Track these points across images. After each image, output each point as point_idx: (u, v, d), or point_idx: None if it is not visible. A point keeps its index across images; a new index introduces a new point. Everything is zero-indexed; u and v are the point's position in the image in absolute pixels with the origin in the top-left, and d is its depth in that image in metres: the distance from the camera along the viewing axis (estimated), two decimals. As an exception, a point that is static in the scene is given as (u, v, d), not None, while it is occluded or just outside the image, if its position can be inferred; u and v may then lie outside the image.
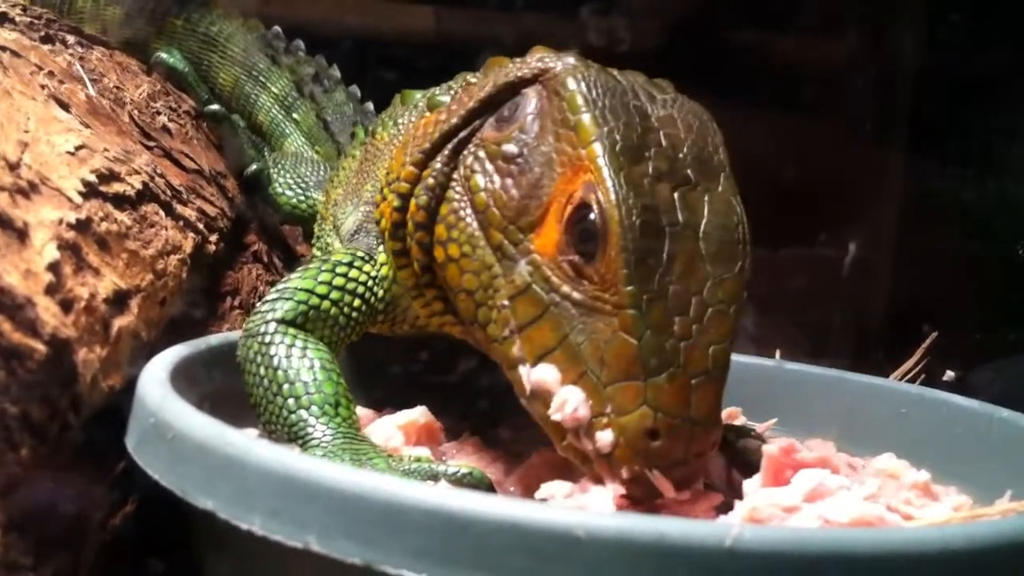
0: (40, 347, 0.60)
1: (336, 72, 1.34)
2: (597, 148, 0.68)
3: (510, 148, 0.72)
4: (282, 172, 1.16)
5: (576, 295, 0.67)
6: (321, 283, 0.79)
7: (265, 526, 0.56)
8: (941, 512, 0.66)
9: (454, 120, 0.77)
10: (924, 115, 1.46)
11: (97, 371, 0.66)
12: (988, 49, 1.43)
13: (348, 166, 1.01)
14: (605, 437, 0.64)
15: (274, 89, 1.28)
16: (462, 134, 0.76)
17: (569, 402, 0.65)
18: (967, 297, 1.22)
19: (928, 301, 1.14)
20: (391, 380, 0.90)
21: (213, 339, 0.84)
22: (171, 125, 1.09)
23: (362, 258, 0.83)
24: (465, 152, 0.75)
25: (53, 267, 0.65)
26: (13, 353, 0.58)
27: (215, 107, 1.18)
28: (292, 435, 0.72)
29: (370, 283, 0.82)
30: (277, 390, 0.73)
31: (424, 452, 0.79)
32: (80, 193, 0.75)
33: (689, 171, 0.69)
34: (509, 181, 0.71)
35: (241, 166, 1.16)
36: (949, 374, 1.04)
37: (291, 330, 0.76)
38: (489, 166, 0.73)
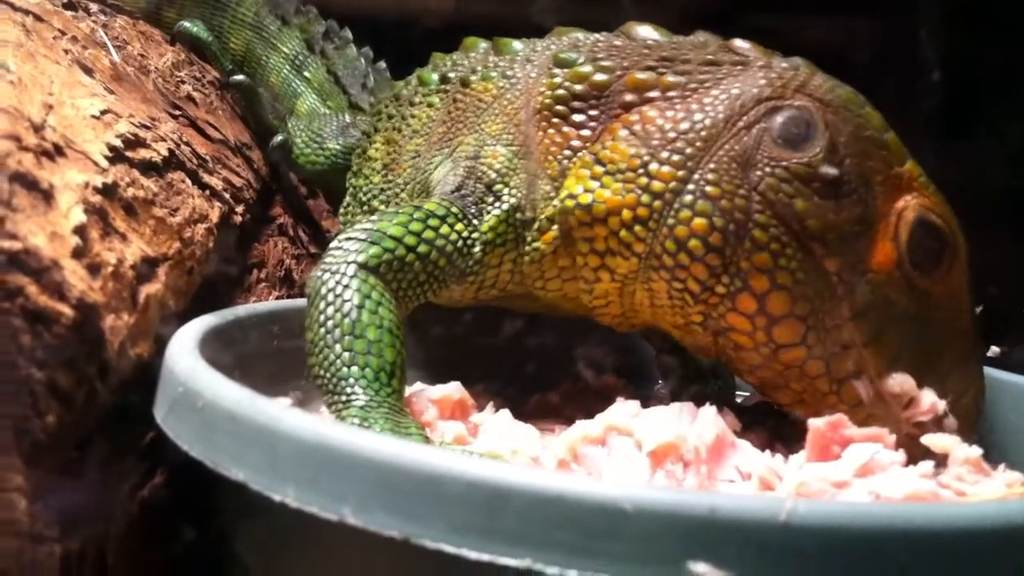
0: (67, 311, 0.58)
1: (348, 33, 1.32)
2: (915, 167, 0.75)
3: (830, 170, 0.73)
4: (299, 133, 1.14)
5: (910, 307, 0.73)
6: (411, 233, 0.76)
7: (299, 497, 0.54)
8: (995, 488, 0.63)
9: (709, 124, 0.75)
10: (950, 100, 1.43)
11: (125, 338, 0.64)
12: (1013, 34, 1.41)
13: (422, 115, 0.94)
14: (951, 424, 0.72)
15: (284, 49, 1.26)
16: (736, 146, 0.74)
17: (929, 402, 0.72)
18: (1008, 274, 1.20)
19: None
20: (426, 355, 0.88)
21: (240, 310, 0.82)
22: (196, 95, 1.07)
23: (456, 215, 0.79)
24: (759, 173, 0.73)
25: (79, 230, 0.63)
26: (39, 316, 0.56)
27: (240, 77, 1.16)
28: (335, 388, 0.69)
29: (460, 243, 0.79)
30: (339, 337, 0.70)
31: (460, 428, 0.77)
32: (106, 157, 0.73)
33: None
34: (834, 203, 0.73)
35: (266, 136, 1.14)
36: (994, 349, 1.02)
37: (371, 278, 0.73)
38: (805, 188, 0.73)
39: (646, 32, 0.83)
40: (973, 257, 0.78)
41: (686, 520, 0.48)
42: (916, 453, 0.68)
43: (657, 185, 0.75)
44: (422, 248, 0.76)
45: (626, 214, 0.76)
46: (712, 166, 0.74)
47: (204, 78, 1.14)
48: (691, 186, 0.74)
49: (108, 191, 0.70)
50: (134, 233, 0.72)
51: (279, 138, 1.13)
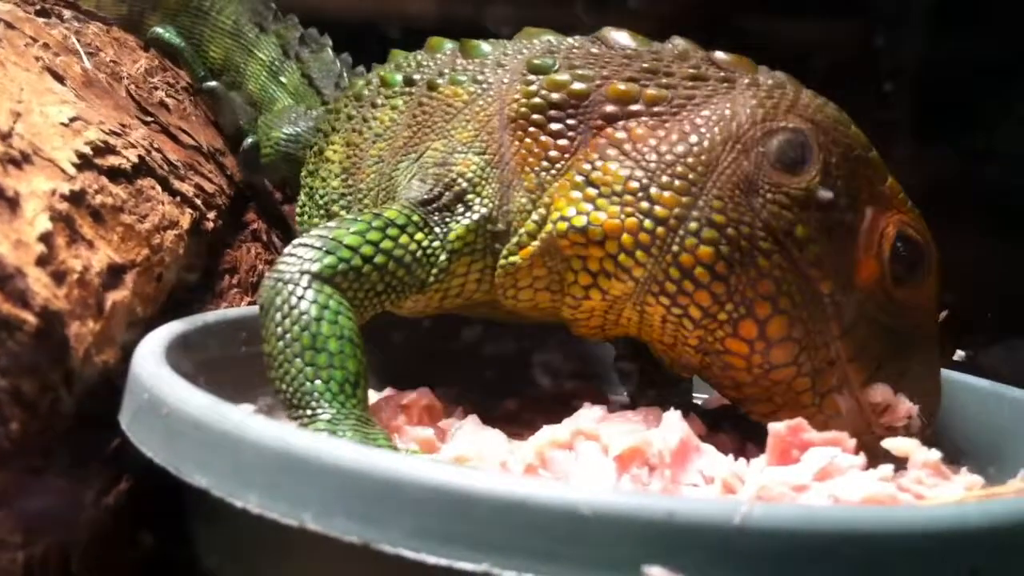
0: (31, 318, 0.58)
1: (326, 40, 1.32)
2: (895, 184, 0.77)
3: (826, 194, 0.74)
4: (264, 126, 1.13)
5: (889, 318, 0.75)
6: (368, 242, 0.75)
7: (261, 504, 0.54)
8: (954, 492, 0.64)
9: (708, 147, 0.74)
10: (933, 102, 1.44)
11: (90, 345, 0.64)
12: (997, 36, 1.41)
13: (384, 117, 0.91)
14: (916, 425, 0.75)
15: (262, 56, 1.26)
16: (733, 172, 0.74)
17: (905, 409, 0.74)
18: (978, 277, 1.21)
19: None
20: (394, 361, 0.88)
21: (209, 316, 0.82)
22: (169, 101, 1.08)
23: (416, 224, 0.77)
24: (761, 199, 0.73)
25: (45, 238, 0.63)
26: (2, 324, 0.57)
27: (212, 83, 1.16)
28: (300, 402, 0.69)
29: (419, 254, 0.77)
30: (299, 352, 0.69)
31: (428, 433, 0.78)
32: (74, 164, 0.73)
33: None
34: (828, 227, 0.74)
35: (238, 141, 1.14)
36: (960, 353, 1.02)
37: (327, 288, 0.72)
38: (804, 214, 0.73)
39: (623, 39, 0.81)
40: (944, 261, 0.79)
41: (643, 524, 0.49)
42: (877, 456, 0.68)
43: (660, 211, 0.73)
44: (379, 259, 0.75)
45: (626, 239, 0.74)
46: (716, 192, 0.73)
47: (178, 84, 1.15)
48: (696, 212, 0.73)
49: (76, 198, 0.71)
50: (101, 240, 0.72)
51: (249, 140, 1.13)
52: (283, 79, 1.23)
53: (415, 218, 0.78)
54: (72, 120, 0.79)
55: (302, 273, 0.72)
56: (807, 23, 1.53)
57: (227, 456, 0.56)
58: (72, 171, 0.72)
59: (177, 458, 0.59)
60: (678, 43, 0.81)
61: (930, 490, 0.64)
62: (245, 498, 0.55)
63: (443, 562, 0.50)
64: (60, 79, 0.86)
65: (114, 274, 0.71)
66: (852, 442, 0.66)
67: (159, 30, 1.17)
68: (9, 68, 0.78)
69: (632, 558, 0.48)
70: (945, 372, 0.86)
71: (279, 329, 0.70)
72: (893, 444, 0.68)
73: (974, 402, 0.84)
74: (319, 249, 0.73)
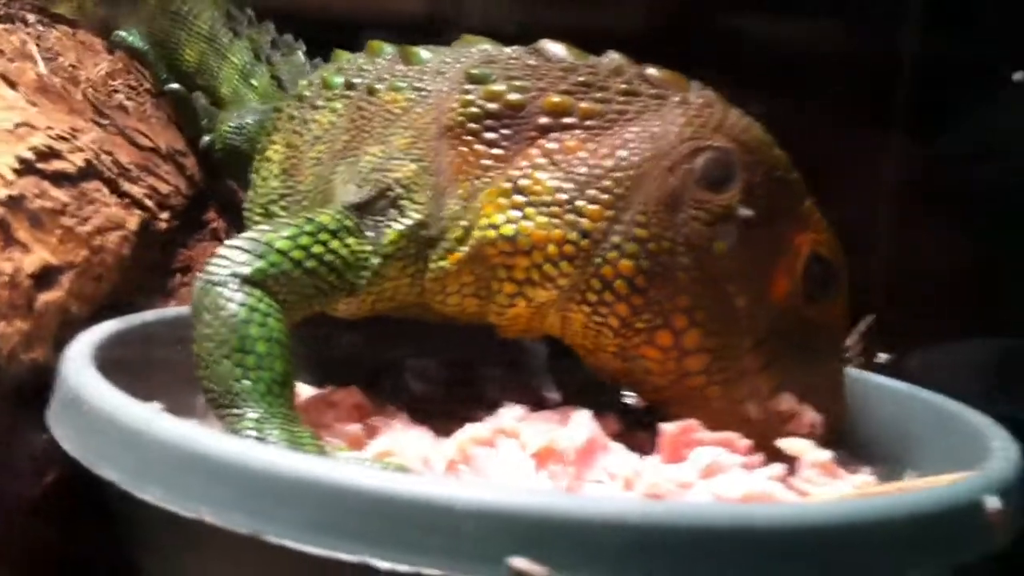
0: (-50, 321, 0.62)
1: (299, 44, 1.34)
2: (812, 205, 0.80)
3: (746, 212, 0.76)
4: (219, 122, 1.16)
5: (799, 333, 0.78)
6: (300, 247, 0.76)
7: (163, 497, 0.57)
8: (842, 489, 0.67)
9: (636, 162, 0.76)
10: (925, 101, 1.46)
11: (17, 344, 0.67)
12: (987, 36, 1.43)
13: (324, 120, 0.93)
14: (819, 433, 0.77)
15: (234, 60, 1.27)
16: (659, 188, 0.76)
17: (810, 418, 0.77)
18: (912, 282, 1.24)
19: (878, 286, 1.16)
20: (325, 359, 0.91)
21: (148, 315, 0.85)
22: (129, 103, 1.11)
23: (349, 229, 0.79)
24: (683, 216, 0.75)
25: (-26, 242, 0.66)
26: (-77, 325, 0.60)
27: (174, 86, 1.19)
28: (228, 402, 0.70)
29: (352, 259, 0.79)
30: (228, 353, 0.71)
31: (356, 429, 0.81)
32: (14, 170, 0.76)
33: None
34: (748, 244, 0.76)
35: (197, 141, 1.17)
36: (882, 356, 1.05)
37: (256, 291, 0.73)
38: (724, 230, 0.75)
39: (560, 51, 0.83)
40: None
41: (509, 517, 0.52)
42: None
43: (586, 224, 0.76)
44: (310, 263, 0.76)
45: (552, 249, 0.76)
46: (640, 207, 0.75)
47: (140, 87, 1.18)
48: (620, 227, 0.75)
49: (13, 203, 0.74)
50: (38, 243, 0.75)
51: (206, 139, 1.16)
52: (253, 81, 1.25)
53: (348, 223, 0.80)
54: (17, 126, 0.82)
55: (232, 276, 0.73)
56: (796, 22, 1.55)
57: (132, 452, 0.59)
58: (11, 176, 0.75)
59: (90, 453, 0.62)
60: (614, 57, 0.82)
61: (818, 488, 0.67)
62: (149, 492, 0.58)
63: (324, 553, 0.53)
64: (13, 85, 0.89)
65: (48, 275, 0.74)
66: (744, 442, 0.69)
67: (122, 33, 1.20)
68: (-44, 76, 0.81)
69: (498, 550, 0.51)
70: (862, 374, 0.90)
71: (208, 330, 0.72)
72: (787, 444, 0.71)
73: (888, 403, 0.87)
74: (250, 252, 0.75)
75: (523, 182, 0.78)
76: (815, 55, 1.53)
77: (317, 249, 0.77)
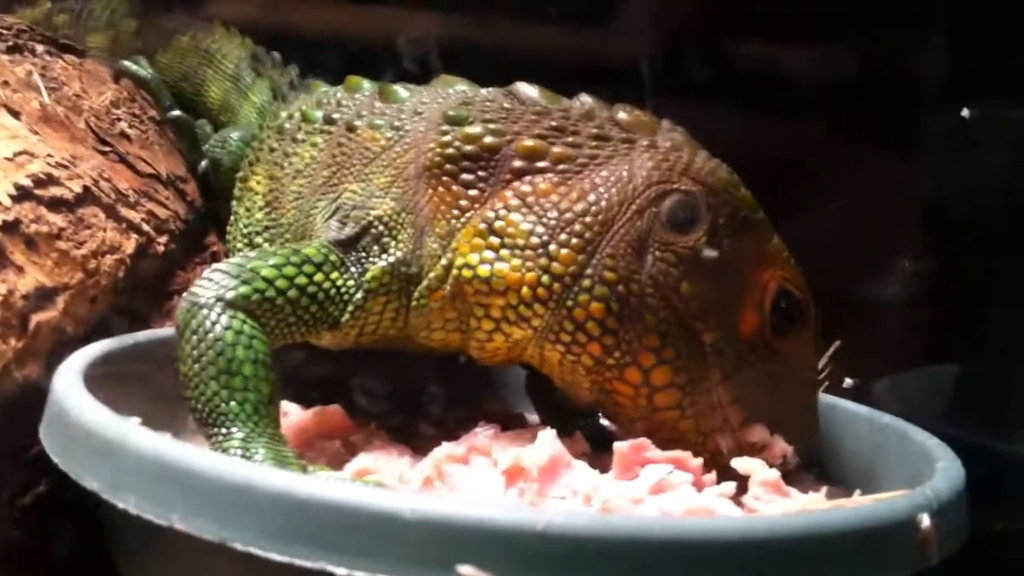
0: (-56, 338, 0.66)
1: (311, 81, 1.38)
2: (779, 243, 0.83)
3: (711, 253, 0.79)
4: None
5: (768, 366, 0.81)
6: (284, 276, 0.79)
7: (138, 505, 0.61)
8: (783, 508, 0.70)
9: (605, 207, 0.79)
10: (924, 125, 1.48)
11: (10, 361, 0.72)
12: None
13: (304, 154, 0.96)
14: (791, 463, 0.81)
15: (254, 99, 1.32)
16: (627, 232, 0.79)
17: (780, 448, 0.80)
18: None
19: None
20: (309, 378, 0.95)
21: (140, 335, 0.89)
22: (131, 131, 1.15)
23: (333, 263, 0.82)
24: (650, 257, 0.79)
25: (-30, 266, 0.71)
26: (-82, 342, 0.64)
27: (176, 113, 1.24)
28: (214, 422, 0.73)
29: (334, 292, 0.81)
30: (214, 375, 0.73)
31: (336, 446, 0.84)
32: (11, 196, 0.81)
33: None
34: (713, 283, 0.79)
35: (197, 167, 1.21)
36: (848, 381, 1.08)
37: (240, 314, 0.76)
38: (690, 271, 0.79)
39: (533, 94, 0.86)
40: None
41: (458, 528, 0.55)
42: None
43: (557, 267, 0.78)
44: (292, 293, 0.79)
45: (525, 291, 0.79)
46: (609, 251, 0.78)
47: (144, 115, 1.22)
48: (590, 270, 0.78)
49: (9, 228, 0.78)
50: (33, 265, 0.79)
51: (203, 163, 1.21)
52: (267, 120, 1.29)
53: (332, 257, 0.82)
54: (17, 155, 0.86)
55: (217, 299, 0.76)
56: (799, 47, 1.57)
57: (110, 462, 0.63)
58: (8, 203, 0.80)
59: (74, 463, 0.66)
60: (585, 101, 0.86)
61: (765, 506, 0.70)
62: (125, 500, 0.62)
63: (286, 560, 0.57)
64: (16, 114, 0.94)
65: (43, 296, 0.79)
66: (696, 461, 0.73)
67: (126, 63, 1.25)
68: (-40, 107, 0.85)
69: (448, 558, 0.55)
70: (828, 398, 0.93)
71: (195, 352, 0.74)
72: (738, 463, 0.74)
73: (851, 426, 0.90)
74: (235, 277, 0.77)
75: (498, 224, 0.81)
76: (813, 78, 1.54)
77: (301, 280, 0.80)
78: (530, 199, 0.81)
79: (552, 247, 0.79)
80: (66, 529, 0.77)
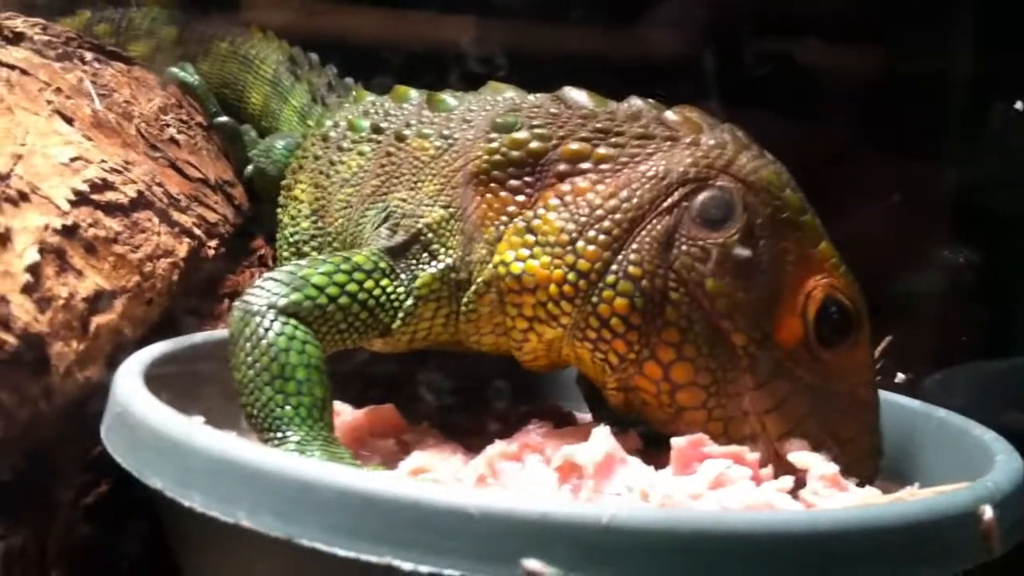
0: (11, 340, 0.67)
1: (349, 81, 1.39)
2: (828, 249, 0.80)
3: (743, 252, 0.78)
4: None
5: (813, 379, 0.78)
6: (335, 284, 0.80)
7: (203, 503, 0.62)
8: (842, 502, 0.70)
9: (636, 203, 0.79)
10: (951, 124, 1.48)
11: (72, 363, 0.73)
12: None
13: (352, 163, 0.97)
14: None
15: (294, 102, 1.33)
16: (658, 225, 0.79)
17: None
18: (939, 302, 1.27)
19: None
20: (361, 378, 0.95)
21: (197, 336, 0.91)
22: (180, 137, 1.16)
23: (383, 271, 0.83)
24: (676, 251, 0.78)
25: (32, 269, 0.72)
26: (-15, 345, 0.65)
27: (223, 119, 1.25)
28: (270, 426, 0.74)
29: (384, 299, 0.82)
30: (269, 380, 0.74)
31: (390, 445, 0.85)
32: (69, 201, 0.82)
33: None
34: (745, 283, 0.77)
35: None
36: (900, 376, 1.08)
37: (292, 320, 0.77)
38: (718, 268, 0.77)
39: (581, 98, 0.86)
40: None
41: (521, 523, 0.56)
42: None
43: (583, 264, 0.79)
44: (343, 300, 0.80)
45: (553, 289, 0.79)
46: (635, 246, 0.78)
47: (192, 120, 1.23)
48: (615, 267, 0.78)
49: (68, 231, 0.79)
50: (92, 269, 0.80)
51: (250, 168, 1.22)
52: (309, 122, 1.30)
53: (382, 265, 0.83)
54: (73, 160, 0.87)
55: (269, 306, 0.77)
56: (828, 46, 1.57)
57: (176, 461, 0.64)
58: (66, 207, 0.81)
59: (138, 463, 0.67)
60: (634, 103, 0.85)
61: (824, 500, 0.70)
62: (191, 498, 0.63)
63: (351, 555, 0.57)
64: (69, 121, 0.95)
65: (101, 299, 0.80)
66: (753, 456, 0.73)
67: (174, 69, 1.26)
68: (17, 113, 0.87)
69: (512, 552, 0.55)
70: (881, 393, 0.92)
71: (249, 359, 0.76)
72: (795, 457, 0.74)
73: (900, 420, 0.89)
74: (287, 285, 0.78)
75: (535, 222, 0.81)
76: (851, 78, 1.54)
77: (351, 287, 0.81)
78: (567, 198, 0.81)
79: (580, 244, 0.79)
80: (128, 528, 0.78)
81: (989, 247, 1.33)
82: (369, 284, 0.82)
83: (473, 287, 0.83)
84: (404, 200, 0.88)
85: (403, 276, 0.84)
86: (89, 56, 1.15)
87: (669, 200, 0.79)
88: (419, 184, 0.88)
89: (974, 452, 0.80)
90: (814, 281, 0.78)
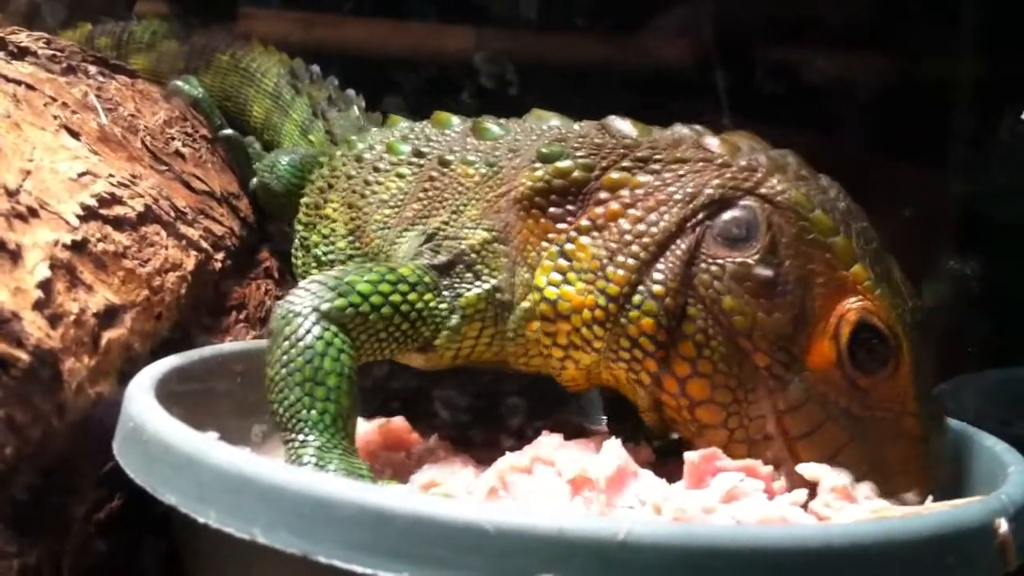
0: (24, 357, 0.67)
1: (358, 100, 1.39)
2: (862, 271, 0.77)
3: (764, 272, 0.77)
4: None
5: (851, 406, 0.76)
6: (379, 292, 0.81)
7: (219, 520, 0.62)
8: (857, 513, 0.70)
9: (664, 226, 0.80)
10: (963, 133, 1.48)
11: (84, 379, 0.72)
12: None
13: (391, 185, 0.98)
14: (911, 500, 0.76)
15: (295, 116, 1.34)
16: (683, 245, 0.79)
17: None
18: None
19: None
20: (377, 391, 0.95)
21: (206, 350, 0.91)
22: (185, 150, 1.16)
23: (427, 285, 0.84)
24: (696, 269, 0.79)
25: (43, 285, 0.72)
26: (-1, 362, 0.65)
27: (228, 131, 1.25)
28: (293, 428, 0.75)
29: (426, 313, 0.83)
30: (300, 381, 0.75)
31: (400, 457, 0.85)
32: (78, 216, 0.82)
33: (884, 256, 0.81)
34: (766, 303, 0.77)
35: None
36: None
37: (333, 326, 0.78)
38: (736, 287, 0.77)
39: (624, 128, 0.86)
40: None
41: (537, 538, 0.56)
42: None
43: (612, 289, 0.80)
44: (386, 310, 0.81)
45: (586, 314, 0.81)
46: (660, 266, 0.79)
47: (196, 133, 1.23)
48: (641, 287, 0.79)
49: (77, 247, 0.79)
50: (102, 284, 0.80)
51: (254, 181, 1.22)
52: (311, 137, 1.30)
53: (427, 279, 0.84)
54: (81, 175, 0.87)
55: (312, 309, 0.78)
56: (840, 54, 1.57)
57: (191, 477, 0.64)
58: (76, 222, 0.81)
59: (153, 478, 0.67)
60: (677, 130, 0.86)
61: (835, 513, 0.71)
62: (206, 514, 0.63)
63: (369, 571, 0.57)
64: (76, 135, 0.95)
65: (112, 314, 0.80)
66: (766, 469, 0.73)
67: (179, 83, 1.27)
68: (25, 129, 0.87)
69: (529, 568, 0.55)
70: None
71: (284, 357, 0.76)
72: (804, 469, 0.74)
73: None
74: (332, 290, 0.80)
75: (568, 247, 0.83)
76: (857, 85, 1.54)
77: (395, 298, 0.82)
78: (600, 222, 0.82)
79: (610, 269, 0.80)
80: (143, 544, 0.78)
81: (996, 256, 1.33)
82: (413, 296, 0.83)
83: (518, 311, 0.85)
84: (446, 223, 0.90)
85: (447, 293, 0.85)
86: (93, 70, 1.15)
87: (694, 220, 0.80)
88: (462, 208, 0.90)
89: (986, 464, 0.80)
90: (847, 304, 0.77)
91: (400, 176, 0.97)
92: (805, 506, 0.72)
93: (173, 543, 0.75)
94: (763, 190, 0.79)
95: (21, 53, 1.06)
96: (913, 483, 0.76)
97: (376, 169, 1.00)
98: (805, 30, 1.57)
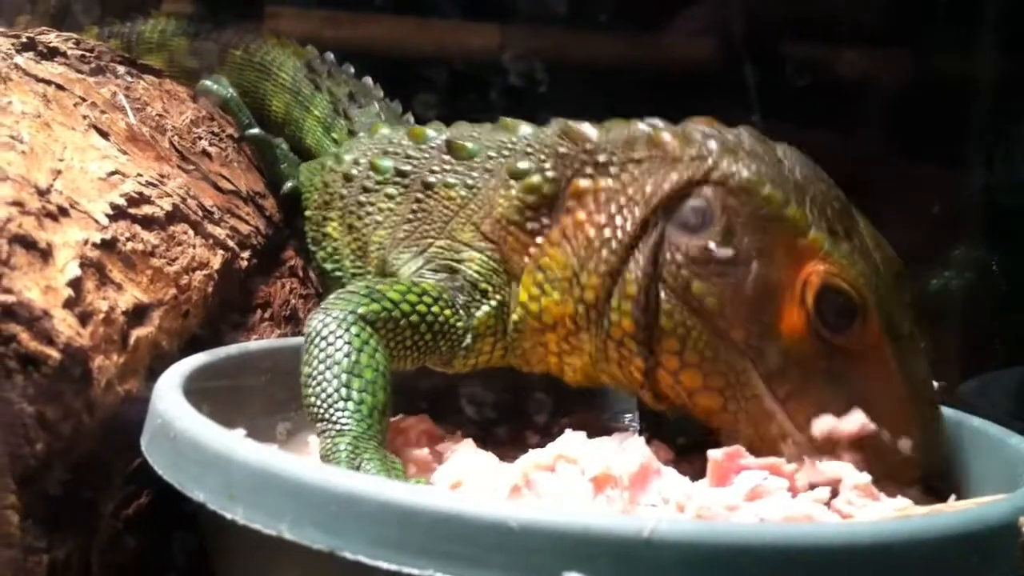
0: (55, 354, 0.68)
1: (377, 92, 1.39)
2: (818, 236, 0.79)
3: (724, 252, 0.80)
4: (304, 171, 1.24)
5: (832, 365, 0.78)
6: (407, 301, 0.84)
7: (246, 516, 0.63)
8: (881, 511, 0.70)
9: (628, 228, 0.83)
10: (982, 130, 1.48)
11: (113, 376, 0.73)
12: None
13: (381, 205, 1.03)
14: (885, 440, 0.78)
15: (316, 112, 1.34)
16: (648, 243, 0.82)
17: (857, 423, 0.77)
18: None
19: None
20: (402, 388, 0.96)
21: (232, 348, 0.92)
22: (212, 149, 1.17)
23: (447, 301, 0.87)
24: (662, 263, 0.81)
25: (74, 283, 0.72)
26: (30, 359, 0.66)
27: (255, 131, 1.26)
28: (329, 417, 0.77)
29: (447, 327, 0.86)
30: (337, 374, 0.78)
31: (424, 454, 0.86)
32: (108, 215, 0.83)
33: (848, 216, 0.82)
34: (732, 280, 0.79)
35: (279, 185, 1.23)
36: (934, 384, 1.07)
37: (368, 328, 0.81)
38: (701, 270, 0.80)
39: (584, 131, 0.89)
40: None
41: (562, 536, 0.56)
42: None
43: (589, 295, 0.83)
44: (414, 317, 0.84)
45: (569, 324, 0.85)
46: (630, 267, 0.82)
47: (223, 133, 1.24)
48: (616, 290, 0.82)
49: (107, 245, 0.80)
50: (130, 282, 0.81)
51: (289, 184, 1.22)
52: (334, 135, 1.31)
53: (446, 296, 0.88)
54: (111, 174, 0.88)
55: (350, 312, 0.81)
56: (860, 51, 1.57)
57: (218, 474, 0.65)
58: (105, 221, 0.81)
59: (180, 475, 0.68)
60: (633, 128, 0.87)
61: (858, 510, 0.71)
62: (233, 511, 0.63)
63: (395, 567, 0.58)
64: (105, 135, 0.96)
65: (140, 313, 0.80)
66: (789, 467, 0.73)
67: (207, 83, 1.27)
68: (55, 129, 0.87)
69: (554, 565, 0.56)
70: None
71: (322, 354, 0.79)
72: (825, 468, 0.75)
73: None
74: (365, 296, 0.83)
75: (544, 260, 0.87)
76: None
77: (421, 308, 0.85)
78: (569, 231, 0.86)
79: (583, 277, 0.84)
80: (171, 540, 0.79)
81: (1022, 251, 1.33)
82: (436, 309, 0.86)
83: (511, 325, 0.89)
84: (441, 247, 0.94)
85: (462, 312, 0.88)
86: (121, 70, 1.16)
87: (654, 218, 0.82)
88: (453, 232, 0.94)
89: (1011, 462, 0.80)
90: (808, 269, 0.79)
91: (389, 196, 1.02)
92: (828, 504, 0.72)
93: (200, 539, 0.76)
94: (715, 175, 0.81)
95: (51, 53, 1.07)
96: (904, 429, 0.78)
97: (365, 189, 1.05)
98: (828, 27, 1.57)
